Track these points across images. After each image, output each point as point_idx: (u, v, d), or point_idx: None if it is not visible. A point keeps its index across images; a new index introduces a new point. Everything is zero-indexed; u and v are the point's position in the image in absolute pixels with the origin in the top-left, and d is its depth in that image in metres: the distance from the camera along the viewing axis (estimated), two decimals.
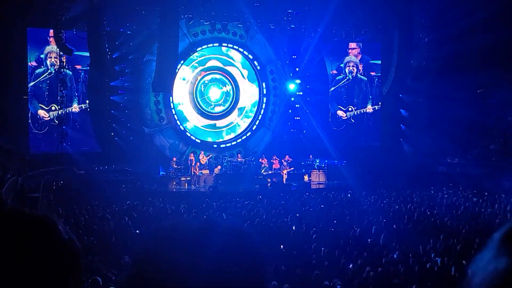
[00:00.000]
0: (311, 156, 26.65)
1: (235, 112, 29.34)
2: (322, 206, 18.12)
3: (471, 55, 26.54)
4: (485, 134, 27.98)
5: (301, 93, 30.16)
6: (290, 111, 30.23)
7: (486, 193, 20.65)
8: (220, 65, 28.85)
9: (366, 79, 30.65)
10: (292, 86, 29.22)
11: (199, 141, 28.27)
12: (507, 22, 25.27)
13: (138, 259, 1.13)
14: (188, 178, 24.32)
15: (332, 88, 30.42)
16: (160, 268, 1.07)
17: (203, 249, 1.07)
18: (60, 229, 1.19)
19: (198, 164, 25.04)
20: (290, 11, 25.39)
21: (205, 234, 1.11)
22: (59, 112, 25.51)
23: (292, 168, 25.65)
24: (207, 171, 24.91)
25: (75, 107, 26.30)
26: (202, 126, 28.64)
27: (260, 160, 26.01)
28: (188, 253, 1.06)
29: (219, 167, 25.55)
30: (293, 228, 13.99)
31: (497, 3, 24.97)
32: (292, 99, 30.19)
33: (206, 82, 28.58)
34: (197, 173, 24.24)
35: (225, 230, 1.14)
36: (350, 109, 30.58)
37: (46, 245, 1.15)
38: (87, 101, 26.38)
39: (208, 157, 26.17)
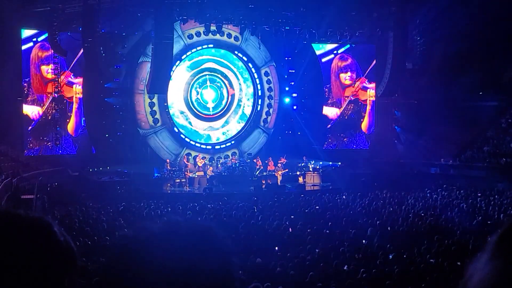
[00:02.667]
0: (304, 158, 26.66)
1: (230, 113, 29.31)
2: (316, 207, 18.11)
3: (465, 57, 26.62)
4: (478, 136, 28.07)
5: (295, 94, 30.22)
6: (285, 112, 30.26)
7: (479, 194, 20.69)
8: (215, 66, 28.82)
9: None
10: (287, 100, 30.35)
11: (193, 142, 28.25)
12: (501, 24, 25.38)
13: (103, 269, 1.12)
14: (183, 180, 24.26)
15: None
16: (125, 276, 1.07)
17: (165, 252, 1.07)
18: (55, 231, 1.19)
19: (190, 166, 25.02)
20: (284, 13, 25.38)
21: (166, 236, 1.12)
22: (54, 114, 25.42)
23: (287, 170, 25.62)
24: (201, 173, 24.87)
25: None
26: (196, 128, 28.59)
27: (255, 161, 25.99)
28: (151, 258, 1.07)
29: (211, 168, 25.51)
30: (289, 230, 13.97)
31: (492, 4, 25.07)
32: (288, 99, 30.26)
33: (201, 83, 28.54)
34: (189, 176, 24.19)
35: (186, 229, 1.14)
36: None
37: (41, 247, 1.14)
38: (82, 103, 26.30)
39: (204, 160, 26.14)
